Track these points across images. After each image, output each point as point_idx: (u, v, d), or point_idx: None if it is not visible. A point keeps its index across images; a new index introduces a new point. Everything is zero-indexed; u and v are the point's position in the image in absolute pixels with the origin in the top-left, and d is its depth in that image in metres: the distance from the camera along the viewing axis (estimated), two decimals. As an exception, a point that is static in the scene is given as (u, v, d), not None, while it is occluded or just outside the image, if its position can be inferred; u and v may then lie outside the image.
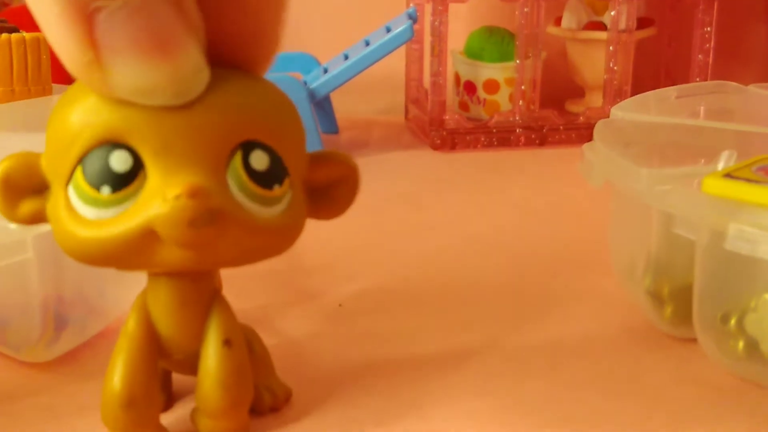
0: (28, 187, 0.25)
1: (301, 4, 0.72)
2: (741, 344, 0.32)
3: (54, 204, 0.24)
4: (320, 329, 0.37)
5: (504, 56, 0.72)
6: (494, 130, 0.68)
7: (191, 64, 0.22)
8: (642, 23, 0.74)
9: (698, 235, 0.30)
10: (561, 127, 0.70)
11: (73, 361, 0.33)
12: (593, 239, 0.47)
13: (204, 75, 0.23)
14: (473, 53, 0.73)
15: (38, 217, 0.25)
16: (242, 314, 0.28)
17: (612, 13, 0.69)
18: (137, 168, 0.23)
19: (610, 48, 0.69)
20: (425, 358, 0.34)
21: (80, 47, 0.21)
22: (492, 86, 0.72)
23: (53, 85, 0.47)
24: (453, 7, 0.67)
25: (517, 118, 0.69)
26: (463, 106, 0.74)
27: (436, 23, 0.67)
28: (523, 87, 0.69)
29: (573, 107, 0.78)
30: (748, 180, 0.29)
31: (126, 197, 0.23)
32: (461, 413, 0.30)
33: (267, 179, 0.24)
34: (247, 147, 0.24)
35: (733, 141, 0.37)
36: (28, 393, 0.31)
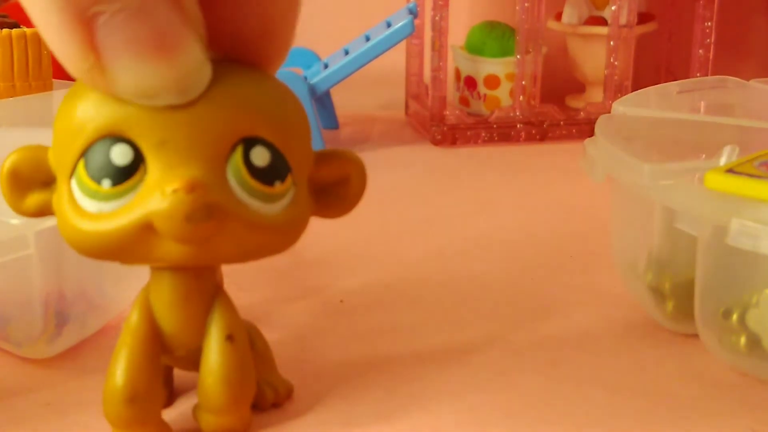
0: (35, 180, 0.25)
1: (302, -1, 0.72)
2: (743, 340, 0.32)
3: (59, 197, 0.24)
4: (321, 325, 0.37)
5: (505, 51, 0.71)
6: (495, 126, 0.68)
7: (193, 62, 0.22)
8: (643, 18, 0.74)
9: (700, 231, 0.30)
10: (561, 123, 0.69)
11: (74, 357, 0.33)
12: (594, 234, 0.47)
13: (206, 71, 0.23)
14: (474, 48, 0.73)
15: (45, 210, 0.25)
16: (243, 310, 0.28)
17: (613, 8, 0.69)
18: (138, 162, 0.23)
19: (611, 43, 0.69)
20: (427, 353, 0.34)
21: (81, 52, 0.21)
22: (492, 81, 0.72)
23: (54, 80, 0.47)
24: (453, 2, 0.67)
25: (518, 113, 0.69)
26: (464, 102, 0.74)
27: (437, 18, 0.66)
28: (523, 82, 0.69)
29: (573, 102, 0.78)
30: (751, 175, 0.29)
31: (126, 191, 0.23)
32: (463, 408, 0.30)
33: (268, 175, 0.24)
34: (249, 143, 0.24)
35: (735, 136, 0.37)
36: (30, 389, 0.31)
